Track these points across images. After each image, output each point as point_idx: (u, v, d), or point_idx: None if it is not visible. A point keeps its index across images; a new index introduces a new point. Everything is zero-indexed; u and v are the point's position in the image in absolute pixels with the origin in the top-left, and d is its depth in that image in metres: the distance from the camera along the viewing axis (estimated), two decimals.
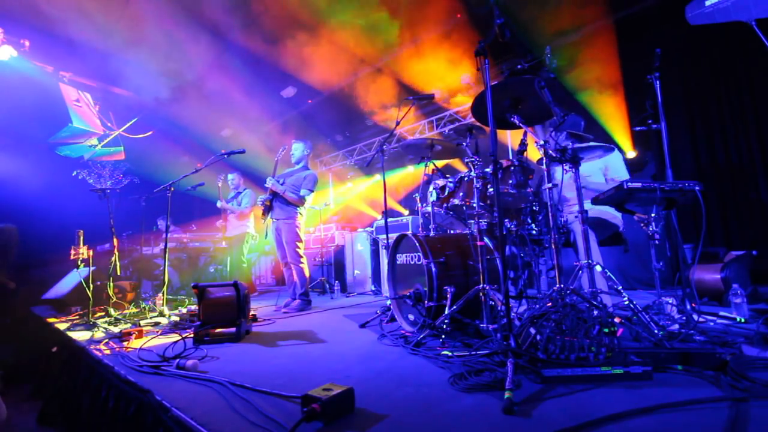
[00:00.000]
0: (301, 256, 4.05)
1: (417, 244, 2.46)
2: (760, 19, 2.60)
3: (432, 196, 2.69)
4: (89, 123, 6.32)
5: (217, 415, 1.32)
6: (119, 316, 3.54)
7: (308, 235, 6.65)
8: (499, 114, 2.40)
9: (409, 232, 2.62)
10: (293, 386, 1.52)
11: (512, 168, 2.42)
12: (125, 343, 2.49)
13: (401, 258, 2.80)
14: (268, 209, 4.07)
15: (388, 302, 2.90)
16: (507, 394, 1.26)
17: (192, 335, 2.51)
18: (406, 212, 6.79)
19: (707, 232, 4.14)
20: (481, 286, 2.17)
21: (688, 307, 2.34)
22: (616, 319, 1.74)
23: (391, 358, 1.96)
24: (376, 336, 2.47)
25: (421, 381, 1.57)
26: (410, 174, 7.60)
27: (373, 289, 5.34)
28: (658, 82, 2.65)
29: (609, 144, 2.33)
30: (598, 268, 2.22)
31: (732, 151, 4.10)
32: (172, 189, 3.82)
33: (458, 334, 2.36)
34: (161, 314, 3.60)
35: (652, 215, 2.31)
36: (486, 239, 2.41)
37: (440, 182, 2.66)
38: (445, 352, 1.87)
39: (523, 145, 2.53)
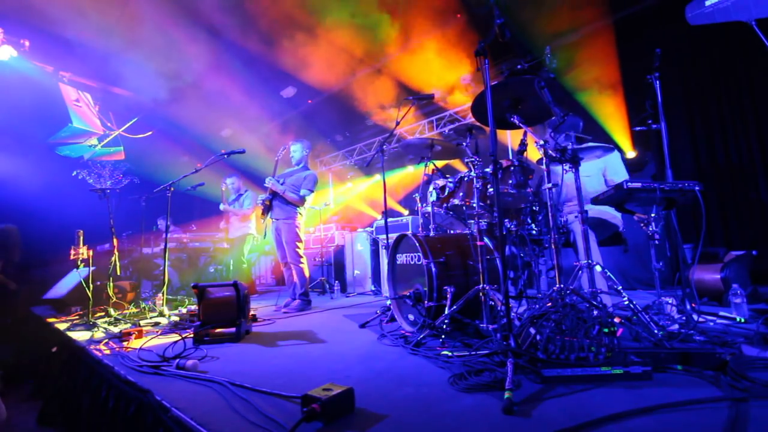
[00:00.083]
0: (301, 256, 4.05)
1: (417, 244, 2.46)
2: (760, 19, 2.60)
3: (432, 196, 2.69)
4: (89, 123, 6.32)
5: (217, 415, 1.32)
6: (119, 316, 3.54)
7: (308, 235, 6.65)
8: (499, 114, 2.40)
9: (409, 232, 2.62)
10: (293, 386, 1.52)
11: (512, 168, 2.42)
12: (125, 343, 2.49)
13: (401, 258, 2.80)
14: (267, 209, 4.07)
15: (388, 302, 2.90)
16: (507, 394, 1.26)
17: (192, 335, 2.51)
18: (406, 212, 6.79)
19: (707, 232, 4.13)
20: (481, 286, 2.17)
21: (688, 307, 2.34)
22: (616, 319, 1.74)
23: (391, 358, 1.96)
24: (376, 336, 2.47)
25: (421, 381, 1.57)
26: (410, 174, 7.60)
27: (373, 289, 5.34)
28: (658, 82, 2.65)
29: (608, 144, 2.33)
30: (598, 268, 2.22)
31: (732, 151, 4.10)
32: (172, 189, 3.82)
33: (458, 334, 2.36)
34: (161, 314, 3.60)
35: (652, 215, 2.31)
36: (486, 239, 2.41)
37: (440, 182, 2.66)
38: (445, 352, 1.87)
39: (523, 145, 2.53)
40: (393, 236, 2.92)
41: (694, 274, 3.13)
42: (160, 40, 5.10)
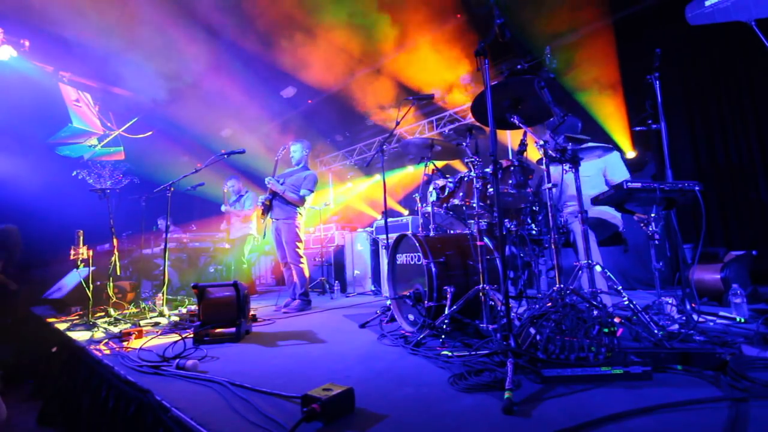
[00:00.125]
0: (301, 256, 4.05)
1: (417, 244, 2.46)
2: (760, 19, 2.60)
3: (432, 196, 2.69)
4: (89, 123, 6.32)
5: (217, 415, 1.32)
6: (119, 316, 3.54)
7: (308, 235, 6.65)
8: (499, 114, 2.40)
9: (409, 232, 2.62)
10: (293, 386, 1.52)
11: (512, 168, 2.42)
12: (125, 343, 2.49)
13: (401, 258, 2.80)
14: (267, 209, 4.07)
15: (388, 302, 2.90)
16: (507, 394, 1.26)
17: (192, 335, 2.51)
18: (406, 212, 6.79)
19: (707, 232, 4.13)
20: (481, 286, 2.17)
21: (688, 307, 2.34)
22: (616, 319, 1.74)
23: (391, 358, 1.96)
24: (376, 336, 2.47)
25: (421, 381, 1.57)
26: (410, 174, 7.60)
27: (373, 289, 5.34)
28: (657, 82, 2.65)
29: (608, 144, 2.33)
30: (598, 268, 2.22)
31: (732, 151, 4.10)
32: (172, 189, 3.82)
33: (458, 334, 2.36)
34: (161, 314, 3.60)
35: (652, 215, 2.31)
36: (486, 239, 2.41)
37: (440, 182, 2.66)
38: (445, 352, 1.87)
39: (523, 145, 2.53)
40: (393, 236, 2.92)
41: (694, 274, 3.13)
42: (160, 40, 5.11)
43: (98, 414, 1.91)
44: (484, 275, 2.17)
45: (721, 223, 4.14)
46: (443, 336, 2.12)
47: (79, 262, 3.79)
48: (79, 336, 2.87)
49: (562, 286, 2.02)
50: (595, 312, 1.75)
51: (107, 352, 2.33)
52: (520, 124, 2.34)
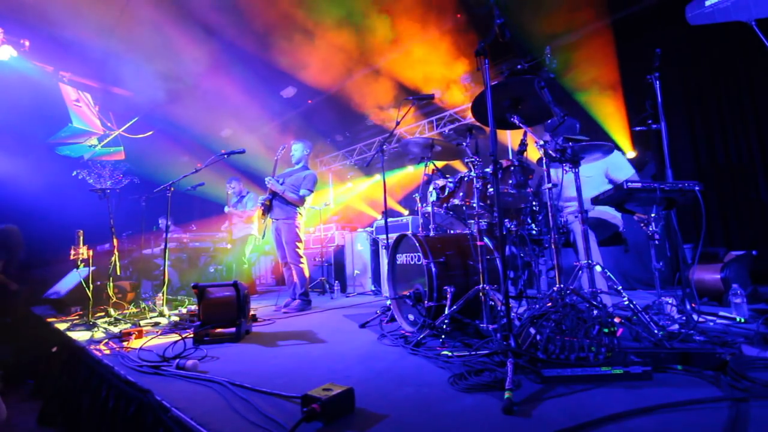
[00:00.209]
0: (301, 256, 4.05)
1: (417, 244, 2.46)
2: (760, 19, 2.60)
3: (432, 196, 2.69)
4: (89, 123, 6.32)
5: (217, 415, 1.32)
6: (119, 316, 3.54)
7: (308, 235, 6.65)
8: (499, 114, 2.40)
9: (409, 232, 2.62)
10: (293, 386, 1.52)
11: (512, 168, 2.42)
12: (125, 343, 2.49)
13: (401, 258, 2.80)
14: (267, 209, 4.07)
15: (388, 302, 2.90)
16: (507, 394, 1.26)
17: (192, 335, 2.50)
18: (406, 212, 6.79)
19: (707, 232, 4.13)
20: (481, 286, 2.17)
21: (688, 307, 2.34)
22: (616, 319, 1.74)
23: (391, 358, 1.96)
24: (376, 336, 2.47)
25: (421, 381, 1.57)
26: (410, 174, 7.59)
27: (373, 289, 5.34)
28: (657, 82, 2.65)
29: (608, 144, 2.33)
30: (598, 268, 2.22)
31: (732, 151, 4.10)
32: (172, 189, 3.82)
33: (458, 334, 2.36)
34: (161, 314, 3.60)
35: (652, 215, 2.31)
36: (486, 239, 2.41)
37: (440, 182, 2.66)
38: (445, 352, 1.87)
39: (523, 145, 2.53)
40: (393, 236, 2.91)
41: (694, 274, 3.13)
42: (160, 40, 5.11)
43: (98, 414, 1.91)
44: (484, 275, 2.17)
45: (721, 223, 4.14)
46: (443, 336, 2.11)
47: (79, 262, 3.79)
48: (79, 336, 2.87)
49: (562, 286, 2.02)
50: (595, 312, 1.75)
51: (107, 352, 2.33)
52: (520, 124, 2.34)
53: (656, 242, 2.31)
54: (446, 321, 2.15)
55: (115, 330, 3.01)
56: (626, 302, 2.09)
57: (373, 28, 5.06)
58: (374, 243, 5.52)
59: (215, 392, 1.55)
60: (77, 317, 3.71)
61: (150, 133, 7.18)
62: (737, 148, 4.07)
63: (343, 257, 5.95)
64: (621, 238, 2.96)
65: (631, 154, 4.63)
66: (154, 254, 6.03)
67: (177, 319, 3.19)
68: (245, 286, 2.78)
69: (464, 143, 2.87)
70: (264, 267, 7.91)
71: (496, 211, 1.82)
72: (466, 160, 2.47)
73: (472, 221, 2.40)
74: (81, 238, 3.79)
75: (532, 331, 1.66)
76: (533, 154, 2.86)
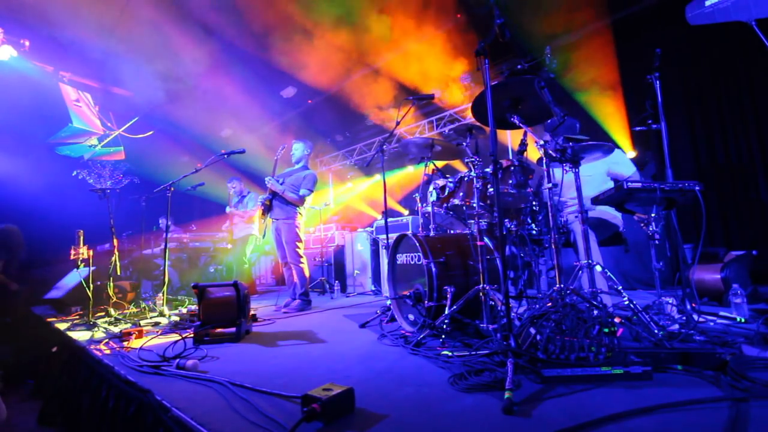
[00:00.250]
0: (301, 256, 4.05)
1: (417, 244, 2.46)
2: (760, 19, 2.60)
3: (432, 196, 2.69)
4: (89, 123, 6.32)
5: (217, 415, 1.32)
6: (119, 316, 3.54)
7: (308, 235, 6.65)
8: (499, 114, 2.40)
9: (409, 232, 2.62)
10: (293, 386, 1.52)
11: (512, 168, 2.42)
12: (125, 343, 2.49)
13: (401, 258, 2.80)
14: (267, 209, 4.07)
15: (388, 302, 2.90)
16: (507, 394, 1.26)
17: (192, 335, 2.50)
18: (406, 212, 6.79)
19: (707, 232, 4.13)
20: (481, 286, 2.17)
21: (688, 307, 2.34)
22: (616, 319, 1.74)
23: (391, 358, 1.96)
24: (376, 336, 2.47)
25: (421, 381, 1.57)
26: (410, 174, 7.59)
27: (373, 289, 5.34)
28: (658, 82, 2.65)
29: (608, 143, 2.33)
30: (598, 268, 2.22)
31: (732, 151, 4.10)
32: (172, 189, 3.82)
33: (458, 334, 2.36)
34: (161, 314, 3.60)
35: (652, 215, 2.31)
36: (486, 239, 2.41)
37: (440, 182, 2.66)
38: (445, 352, 1.87)
39: (523, 145, 2.53)
40: (393, 236, 2.91)
41: (694, 274, 3.13)
42: (160, 40, 5.11)
43: (98, 414, 1.91)
44: (484, 275, 2.17)
45: (721, 223, 4.14)
46: (443, 336, 2.11)
47: (79, 262, 3.79)
48: (79, 336, 2.87)
49: (562, 286, 2.02)
50: (596, 312, 1.75)
51: (107, 352, 2.33)
52: (520, 124, 2.34)
53: (656, 242, 2.31)
54: (446, 321, 2.15)
55: (116, 330, 3.01)
56: (626, 302, 2.09)
57: (373, 28, 5.06)
58: (374, 243, 5.52)
59: (215, 392, 1.55)
60: (77, 317, 3.71)
61: (150, 133, 7.18)
62: (737, 148, 4.07)
63: (343, 257, 5.95)
64: (621, 238, 2.96)
65: (632, 154, 4.62)
66: (154, 254, 6.04)
67: (177, 319, 3.19)
68: (245, 286, 2.78)
69: (464, 143, 2.87)
70: (264, 267, 7.91)
71: (496, 211, 1.82)
72: (466, 160, 2.47)
73: (472, 221, 2.40)
74: (81, 238, 3.79)
75: (532, 331, 1.66)
76: (533, 154, 2.86)
